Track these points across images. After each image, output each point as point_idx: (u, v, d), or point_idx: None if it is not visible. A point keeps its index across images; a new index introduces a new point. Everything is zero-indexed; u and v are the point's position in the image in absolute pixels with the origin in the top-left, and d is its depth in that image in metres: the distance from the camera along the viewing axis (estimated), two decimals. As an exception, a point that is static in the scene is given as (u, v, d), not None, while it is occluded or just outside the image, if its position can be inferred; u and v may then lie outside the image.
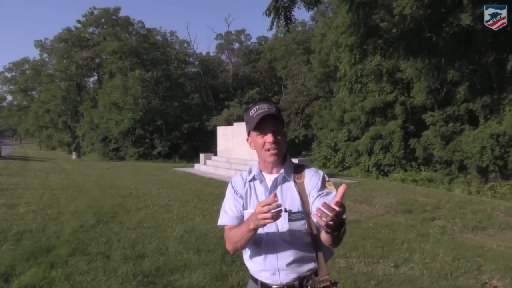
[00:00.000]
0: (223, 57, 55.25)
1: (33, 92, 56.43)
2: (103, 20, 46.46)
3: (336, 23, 25.16)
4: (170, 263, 4.73)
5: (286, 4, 8.98)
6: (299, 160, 15.51)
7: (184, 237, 5.95)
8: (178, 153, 35.00)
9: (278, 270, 1.76)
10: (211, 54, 55.26)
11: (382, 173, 24.63)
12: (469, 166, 19.65)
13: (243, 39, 53.71)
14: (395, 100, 24.55)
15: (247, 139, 1.90)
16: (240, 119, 29.77)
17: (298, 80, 38.27)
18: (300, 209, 1.76)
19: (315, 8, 11.89)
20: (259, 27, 65.67)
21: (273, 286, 1.78)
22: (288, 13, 9.05)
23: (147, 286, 4.14)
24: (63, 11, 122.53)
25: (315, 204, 1.71)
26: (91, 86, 51.67)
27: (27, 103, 56.09)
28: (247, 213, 1.84)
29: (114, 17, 45.98)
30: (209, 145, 30.06)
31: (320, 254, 1.76)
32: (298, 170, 1.85)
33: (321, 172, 1.85)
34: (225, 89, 46.61)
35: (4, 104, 58.90)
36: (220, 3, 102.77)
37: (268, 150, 1.77)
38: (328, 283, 1.73)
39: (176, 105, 38.00)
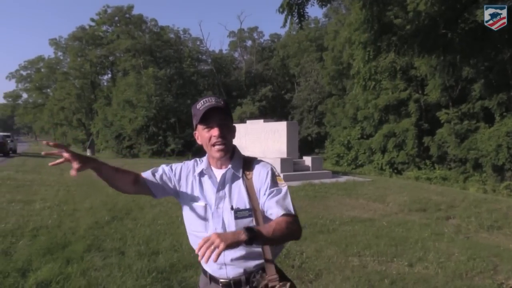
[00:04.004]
0: (236, 54, 55.22)
1: (48, 90, 57.15)
2: (116, 18, 46.79)
3: (349, 20, 25.03)
4: (184, 260, 4.77)
5: (300, 1, 8.93)
6: (312, 158, 15.49)
7: (197, 234, 5.95)
8: (191, 151, 35.11)
9: (225, 265, 1.74)
10: (224, 51, 55.28)
11: (395, 171, 24.45)
12: (484, 165, 19.40)
13: (256, 37, 53.60)
14: (409, 98, 24.33)
15: (194, 133, 1.84)
16: (253, 117, 29.79)
17: (311, 78, 38.10)
18: (248, 206, 1.71)
19: (328, 5, 11.81)
20: (271, 24, 65.58)
21: (220, 280, 1.76)
22: (301, 10, 9.00)
23: (161, 282, 4.18)
24: (77, 10, 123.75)
25: (267, 205, 1.67)
26: (105, 84, 52.04)
27: (42, 101, 56.80)
28: (197, 205, 1.80)
29: (127, 15, 46.28)
30: (222, 143, 30.11)
31: (268, 251, 1.69)
32: (247, 165, 1.80)
33: (269, 166, 1.79)
34: (238, 86, 46.60)
35: (20, 102, 59.87)
36: (233, 1, 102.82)
37: (214, 145, 1.72)
38: (276, 283, 1.66)
39: (189, 103, 38.05)
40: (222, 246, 1.35)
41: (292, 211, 1.65)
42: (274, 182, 1.72)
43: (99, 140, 41.45)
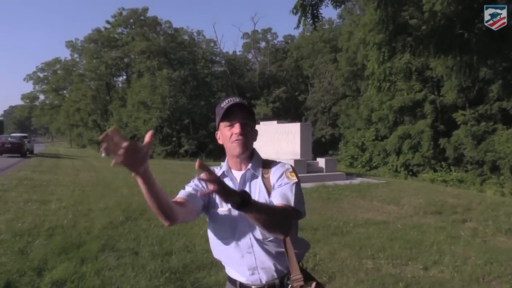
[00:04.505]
0: (250, 56, 55.38)
1: (64, 92, 58.05)
2: (131, 20, 47.35)
3: (363, 20, 24.90)
4: (197, 261, 4.77)
5: (313, 2, 8.91)
6: (326, 160, 15.41)
7: (210, 235, 5.96)
8: (204, 152, 35.29)
9: (257, 269, 1.68)
10: (238, 53, 55.51)
11: (410, 173, 24.21)
12: (502, 167, 19.09)
13: (270, 38, 53.73)
14: (425, 99, 24.08)
15: (216, 133, 1.82)
16: (266, 118, 29.78)
17: (325, 79, 38.00)
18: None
19: (342, 6, 11.76)
20: (285, 25, 65.61)
21: (253, 287, 1.70)
22: (315, 11, 8.98)
23: (174, 283, 4.18)
24: (93, 12, 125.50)
25: (272, 195, 1.64)
26: (120, 85, 52.67)
27: (58, 102, 57.72)
28: (221, 211, 1.75)
29: (142, 18, 46.79)
30: (236, 144, 30.21)
31: (290, 250, 1.65)
32: (266, 165, 1.78)
33: (287, 165, 1.76)
34: (251, 88, 46.68)
35: (37, 103, 60.77)
36: (246, 2, 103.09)
37: (235, 141, 1.70)
38: (301, 283, 1.62)
39: (203, 104, 38.31)
40: (215, 187, 1.29)
41: (292, 204, 1.59)
42: (284, 176, 1.70)
43: (114, 141, 41.82)
